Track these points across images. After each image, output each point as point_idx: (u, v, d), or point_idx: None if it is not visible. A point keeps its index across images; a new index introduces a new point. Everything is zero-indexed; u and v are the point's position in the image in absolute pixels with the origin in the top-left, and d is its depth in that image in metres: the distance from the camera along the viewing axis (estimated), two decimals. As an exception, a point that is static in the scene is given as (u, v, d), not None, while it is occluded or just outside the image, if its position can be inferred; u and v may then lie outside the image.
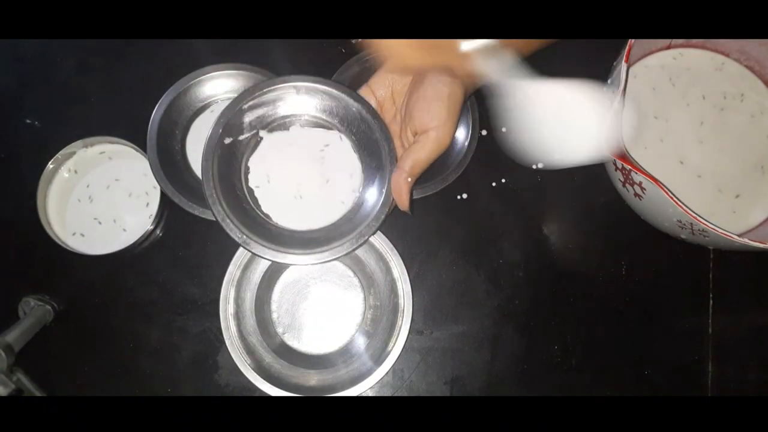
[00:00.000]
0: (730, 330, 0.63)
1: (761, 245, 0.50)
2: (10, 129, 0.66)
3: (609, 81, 0.58)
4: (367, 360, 0.60)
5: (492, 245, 0.65)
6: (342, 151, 0.56)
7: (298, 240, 0.54)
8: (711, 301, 0.64)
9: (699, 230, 0.52)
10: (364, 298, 0.63)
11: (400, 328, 0.59)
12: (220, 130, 0.52)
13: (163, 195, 0.61)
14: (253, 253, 0.51)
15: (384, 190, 0.53)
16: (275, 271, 0.63)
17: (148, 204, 0.64)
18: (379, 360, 0.59)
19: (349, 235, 0.52)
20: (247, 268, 0.62)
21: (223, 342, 0.59)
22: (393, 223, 0.60)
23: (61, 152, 0.62)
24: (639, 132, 0.65)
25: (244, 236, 0.50)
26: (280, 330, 0.63)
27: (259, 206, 0.55)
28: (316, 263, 0.53)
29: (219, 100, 0.65)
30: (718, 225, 0.50)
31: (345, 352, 0.62)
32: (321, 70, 0.65)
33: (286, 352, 0.62)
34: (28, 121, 0.66)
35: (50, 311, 0.61)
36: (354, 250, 0.52)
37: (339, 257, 0.52)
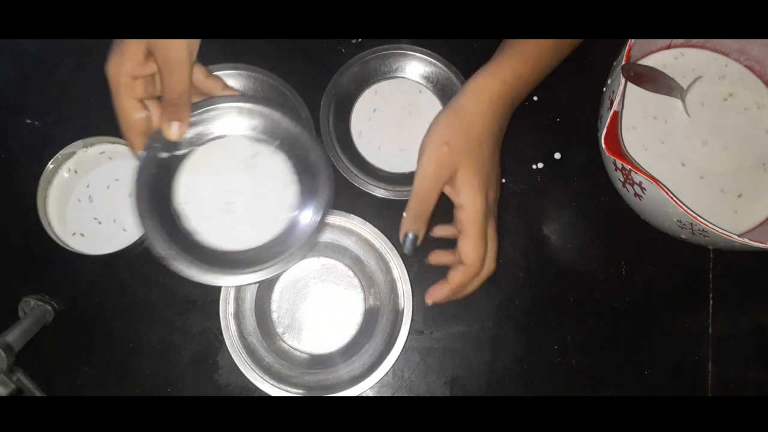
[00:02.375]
0: (730, 330, 0.63)
1: (761, 245, 0.50)
2: (10, 129, 0.66)
3: (609, 81, 0.58)
4: (367, 360, 0.60)
5: (492, 245, 0.65)
6: (274, 164, 0.56)
7: (226, 259, 0.53)
8: (711, 301, 0.64)
9: (699, 230, 0.52)
10: (364, 298, 0.63)
11: (400, 328, 0.59)
12: (157, 145, 0.52)
13: (163, 195, 0.61)
14: (175, 270, 0.50)
15: (318, 214, 0.53)
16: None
17: (148, 204, 0.64)
18: (379, 360, 0.59)
19: (279, 257, 0.51)
20: None
21: (223, 342, 0.59)
22: (393, 224, 0.60)
23: (61, 152, 0.62)
24: (637, 133, 0.65)
25: (170, 251, 0.50)
26: (280, 330, 0.63)
27: (187, 222, 0.54)
28: (240, 284, 0.52)
29: (219, 100, 0.65)
30: (720, 225, 0.50)
31: (345, 352, 0.62)
32: (321, 70, 0.65)
33: (286, 352, 0.62)
34: (28, 121, 0.66)
35: (50, 311, 0.61)
36: (279, 273, 0.52)
37: (262, 279, 0.51)
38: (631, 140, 0.64)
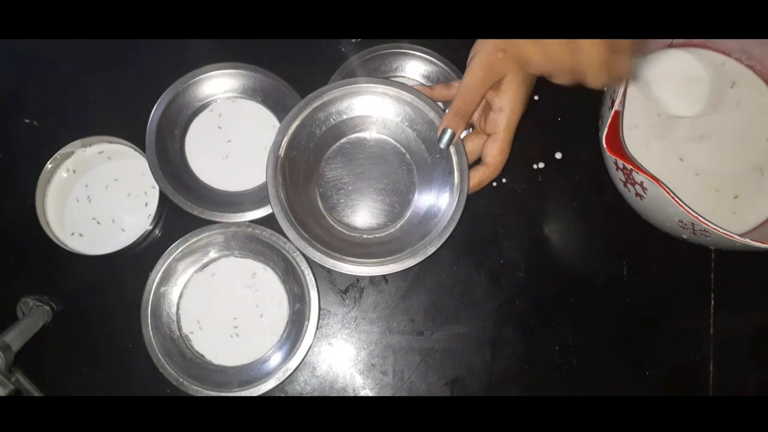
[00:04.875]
0: (731, 330, 0.63)
1: (762, 245, 0.50)
2: (8, 129, 0.66)
3: (610, 80, 0.58)
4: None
5: (492, 245, 0.65)
6: (269, 279, 0.62)
7: (233, 372, 0.60)
8: (712, 302, 0.64)
9: (700, 230, 0.51)
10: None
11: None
12: (157, 279, 0.60)
13: (161, 194, 0.61)
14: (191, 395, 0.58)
15: (307, 325, 0.59)
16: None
17: (146, 204, 0.64)
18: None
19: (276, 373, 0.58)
20: None
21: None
22: (393, 223, 0.59)
23: (59, 152, 0.62)
24: (640, 131, 0.64)
25: (179, 380, 0.58)
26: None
27: (194, 347, 0.61)
28: (251, 395, 0.58)
29: (218, 99, 0.65)
30: (720, 225, 0.50)
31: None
32: (321, 70, 0.65)
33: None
34: (26, 120, 0.66)
35: (49, 311, 0.60)
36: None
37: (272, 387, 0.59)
38: (633, 139, 0.64)
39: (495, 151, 0.54)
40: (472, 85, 0.52)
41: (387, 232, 0.59)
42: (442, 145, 0.54)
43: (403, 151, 0.59)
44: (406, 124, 0.58)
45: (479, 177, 0.55)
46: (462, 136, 0.56)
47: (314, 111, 0.57)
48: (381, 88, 0.57)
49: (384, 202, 0.59)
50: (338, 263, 0.53)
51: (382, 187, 0.59)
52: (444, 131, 0.54)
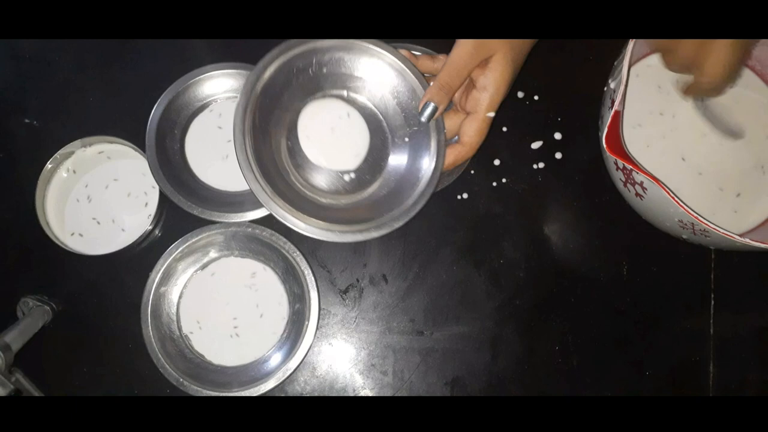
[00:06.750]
0: (731, 330, 0.63)
1: (763, 245, 0.50)
2: (8, 129, 0.66)
3: (610, 81, 0.58)
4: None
5: (492, 245, 0.65)
6: (269, 279, 0.62)
7: (233, 372, 0.61)
8: (712, 302, 0.64)
9: (700, 230, 0.51)
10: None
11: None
12: (157, 279, 0.60)
13: (161, 195, 0.61)
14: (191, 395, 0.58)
15: (306, 328, 0.59)
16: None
17: (146, 204, 0.64)
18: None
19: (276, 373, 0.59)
20: None
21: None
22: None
23: (59, 152, 0.62)
24: (642, 130, 0.64)
25: (179, 380, 0.58)
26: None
27: (193, 347, 0.61)
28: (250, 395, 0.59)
29: (218, 99, 0.65)
30: (720, 224, 0.50)
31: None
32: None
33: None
34: (26, 120, 0.66)
35: (49, 311, 0.60)
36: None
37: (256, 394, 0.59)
38: (634, 137, 0.64)
39: (473, 131, 0.52)
40: (460, 59, 0.51)
41: (354, 200, 0.55)
42: (424, 119, 0.53)
43: (381, 117, 0.56)
44: (388, 89, 0.55)
45: (454, 155, 0.54)
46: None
47: (294, 58, 0.53)
48: (371, 47, 0.54)
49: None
50: (301, 224, 0.50)
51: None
52: (426, 104, 0.52)
